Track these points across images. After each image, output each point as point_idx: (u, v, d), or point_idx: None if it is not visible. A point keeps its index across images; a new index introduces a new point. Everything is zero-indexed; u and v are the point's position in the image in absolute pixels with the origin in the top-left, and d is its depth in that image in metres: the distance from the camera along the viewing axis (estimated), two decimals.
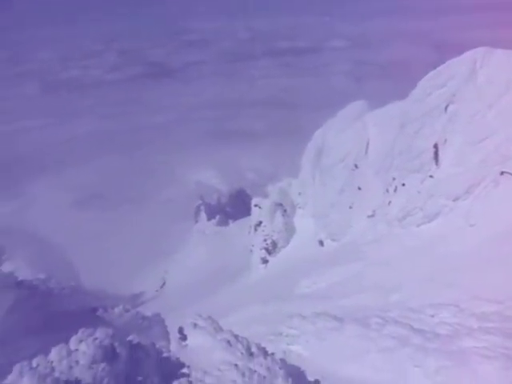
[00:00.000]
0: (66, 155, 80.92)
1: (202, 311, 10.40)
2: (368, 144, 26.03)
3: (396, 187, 22.73)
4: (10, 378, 6.38)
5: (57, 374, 6.44)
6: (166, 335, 16.50)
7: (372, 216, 24.10)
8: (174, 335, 11.08)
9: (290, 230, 34.21)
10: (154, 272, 51.19)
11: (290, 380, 7.47)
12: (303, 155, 33.16)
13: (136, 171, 76.38)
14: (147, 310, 17.93)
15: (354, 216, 25.92)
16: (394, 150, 23.14)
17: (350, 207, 26.56)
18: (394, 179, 22.98)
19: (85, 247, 55.17)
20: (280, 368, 7.76)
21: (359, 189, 26.22)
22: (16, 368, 6.65)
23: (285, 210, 34.96)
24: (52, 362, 7.04)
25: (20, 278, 13.39)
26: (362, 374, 8.56)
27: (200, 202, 65.11)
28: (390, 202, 22.65)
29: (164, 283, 50.01)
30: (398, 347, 8.73)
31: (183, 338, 10.46)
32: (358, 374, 8.59)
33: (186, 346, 10.12)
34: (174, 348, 10.32)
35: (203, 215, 63.02)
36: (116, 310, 16.03)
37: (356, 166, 26.75)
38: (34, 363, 6.95)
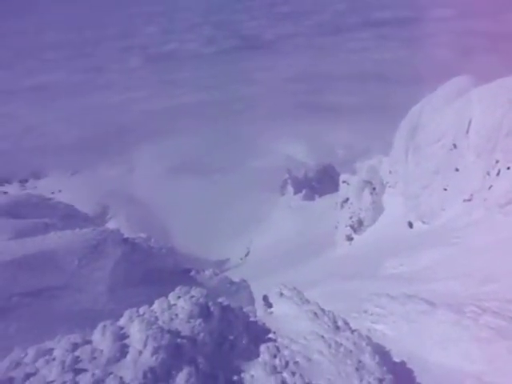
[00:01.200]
0: (165, 125, 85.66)
1: (286, 282, 10.70)
2: (470, 123, 24.10)
3: (499, 171, 20.94)
4: (122, 320, 7.22)
5: (160, 323, 7.13)
6: (251, 301, 17.36)
7: (469, 200, 22.53)
8: (259, 302, 11.52)
9: (377, 209, 33.35)
10: (239, 241, 53.13)
11: (376, 357, 7.50)
12: (396, 132, 31.72)
13: (228, 141, 78.77)
14: (233, 277, 18.92)
15: (448, 199, 24.47)
16: (501, 131, 21.21)
17: (445, 189, 25.07)
18: (497, 162, 21.15)
19: (178, 212, 58.74)
20: (367, 344, 7.81)
21: (456, 170, 24.56)
22: (126, 313, 7.51)
23: (373, 188, 34.07)
24: (155, 312, 7.83)
25: (125, 236, 14.76)
26: (453, 362, 8.30)
27: (287, 175, 65.57)
28: (490, 187, 20.96)
29: (248, 252, 51.88)
30: (497, 339, 8.30)
31: (268, 305, 10.84)
32: (448, 361, 8.34)
33: (272, 313, 10.48)
34: (259, 314, 10.75)
35: (290, 188, 63.61)
36: (207, 272, 17.19)
37: (455, 146, 24.99)
38: (141, 311, 7.79)
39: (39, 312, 9.83)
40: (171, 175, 69.90)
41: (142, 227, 40.80)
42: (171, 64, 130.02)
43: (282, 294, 10.60)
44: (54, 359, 5.56)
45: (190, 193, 64.51)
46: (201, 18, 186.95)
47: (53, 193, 47.45)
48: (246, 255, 51.43)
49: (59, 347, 5.84)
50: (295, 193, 61.32)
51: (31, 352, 5.73)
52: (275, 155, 74.81)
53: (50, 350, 5.88)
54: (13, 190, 60.26)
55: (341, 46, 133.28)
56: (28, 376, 5.14)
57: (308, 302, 10.09)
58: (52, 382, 5.01)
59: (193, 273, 16.27)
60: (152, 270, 14.27)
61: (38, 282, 10.40)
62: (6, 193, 59.60)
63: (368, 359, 7.71)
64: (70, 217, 17.61)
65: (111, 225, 39.54)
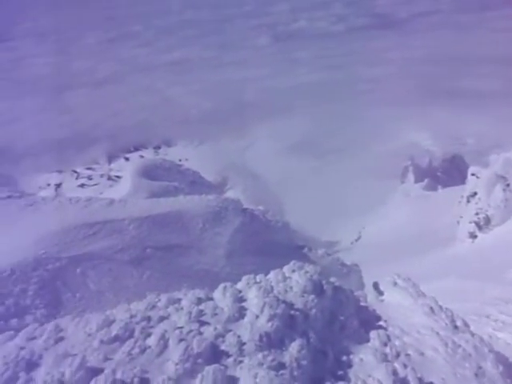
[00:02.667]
0: (286, 103, 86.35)
1: (399, 272, 10.27)
2: None
3: None
4: (240, 284, 7.66)
5: (275, 293, 7.40)
6: (361, 286, 17.08)
7: None
8: (369, 288, 11.29)
9: (509, 208, 29.93)
10: (350, 224, 51.96)
11: (500, 367, 6.88)
12: None
13: (348, 123, 76.72)
14: (344, 260, 18.72)
15: None
16: None
17: None
18: None
19: (292, 190, 59.41)
20: (489, 351, 7.20)
21: None
22: (244, 279, 7.94)
23: (507, 185, 30.57)
24: (271, 282, 8.14)
25: (244, 206, 15.48)
26: None
27: (409, 162, 61.88)
28: None
29: (360, 237, 50.58)
30: None
31: (379, 292, 10.56)
32: None
33: (383, 301, 10.20)
34: (370, 300, 10.54)
35: (411, 176, 60.09)
36: (319, 251, 17.31)
37: None
38: (258, 279, 8.16)
39: (167, 265, 10.90)
40: (288, 153, 70.67)
41: (257, 200, 42.21)
42: (298, 42, 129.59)
43: (395, 284, 10.25)
44: (182, 308, 6.16)
45: (305, 172, 64.65)
46: None
47: (180, 160, 51.37)
48: (357, 240, 50.22)
49: (187, 299, 6.44)
50: (416, 181, 57.73)
51: (163, 299, 6.41)
52: (398, 141, 70.91)
53: (179, 300, 6.52)
54: (147, 154, 66.76)
55: (483, 24, 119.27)
56: (162, 319, 5.78)
57: (424, 295, 9.63)
58: (181, 327, 5.56)
59: (306, 250, 16.51)
60: (267, 241, 14.79)
61: (168, 239, 11.50)
62: (142, 157, 66.33)
63: (490, 367, 7.13)
64: (196, 183, 18.99)
65: (229, 195, 41.71)
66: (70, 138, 71.68)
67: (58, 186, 60.26)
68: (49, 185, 60.10)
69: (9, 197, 12.75)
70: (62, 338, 5.26)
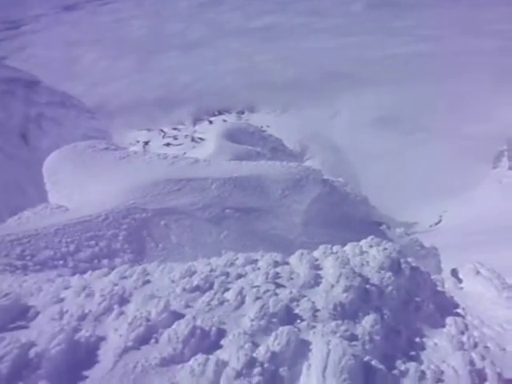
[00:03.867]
0: (377, 74, 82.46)
1: (482, 261, 9.62)
2: None
3: None
4: (316, 253, 7.66)
5: (352, 265, 7.30)
6: (439, 271, 16.34)
7: None
8: (447, 274, 10.79)
9: None
10: (431, 206, 49.62)
11: None
12: None
13: (441, 99, 71.71)
14: (423, 242, 17.93)
15: None
16: None
17: None
18: None
19: (372, 165, 57.56)
20: None
21: None
22: (321, 248, 7.91)
23: None
24: (348, 254, 8.04)
25: (325, 176, 15.28)
26: None
27: (505, 146, 56.90)
28: None
29: (440, 221, 48.20)
30: None
31: (458, 280, 10.07)
32: None
33: (462, 289, 9.71)
34: (448, 286, 10.07)
35: (505, 162, 55.42)
36: (397, 230, 16.72)
37: None
38: (334, 249, 8.10)
39: (244, 227, 11.20)
40: (373, 127, 68.08)
41: (335, 172, 41.55)
42: (394, 11, 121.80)
43: (478, 273, 9.67)
44: (259, 269, 6.32)
45: (388, 148, 62.13)
46: None
47: (262, 127, 51.68)
48: (437, 223, 47.92)
49: (264, 260, 6.58)
50: (510, 168, 53.12)
51: (241, 258, 6.62)
52: (495, 122, 65.00)
53: (256, 261, 6.69)
54: (231, 119, 67.93)
55: None
56: (239, 276, 5.99)
57: (511, 288, 8.98)
58: (257, 286, 5.72)
59: (383, 227, 16.04)
60: (345, 214, 14.58)
61: (247, 201, 11.76)
62: (225, 121, 67.68)
63: None
64: (278, 150, 19.05)
65: (308, 164, 41.42)
66: (159, 99, 75.07)
67: (146, 143, 63.84)
68: (138, 141, 63.87)
69: (106, 149, 13.73)
70: (148, 281, 5.67)
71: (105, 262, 9.35)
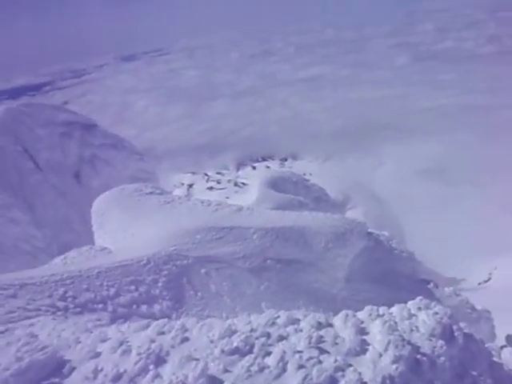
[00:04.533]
0: (422, 125, 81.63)
1: None
2: None
3: None
4: (361, 315, 7.18)
5: (400, 331, 6.78)
6: (493, 337, 15.08)
7: None
8: (500, 340, 9.88)
9: None
10: (479, 263, 46.89)
11: None
12: None
13: (487, 152, 69.53)
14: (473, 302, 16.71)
15: None
16: None
17: None
18: None
19: (417, 217, 55.68)
20: None
21: None
22: (367, 309, 7.43)
23: None
24: (395, 317, 7.49)
25: (370, 230, 14.78)
26: None
27: None
28: None
29: (489, 279, 45.36)
30: None
31: None
32: None
33: None
34: (504, 356, 9.20)
35: None
36: (446, 290, 15.71)
37: None
38: (381, 311, 7.58)
39: (286, 279, 10.85)
40: (417, 178, 66.50)
41: (378, 224, 40.42)
42: (440, 63, 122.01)
43: None
44: (301, 330, 5.96)
45: (434, 200, 60.15)
46: (486, 14, 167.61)
47: (304, 174, 51.70)
48: (486, 281, 45.02)
49: (306, 321, 6.22)
50: None
51: (283, 316, 6.28)
52: None
53: (298, 321, 6.33)
54: (274, 166, 68.68)
55: None
56: (281, 338, 5.66)
57: None
58: (300, 352, 5.37)
59: (431, 285, 15.13)
60: (390, 270, 13.91)
61: (289, 253, 11.47)
62: (268, 167, 68.43)
63: None
64: (321, 199, 18.78)
65: (350, 215, 40.61)
66: (205, 144, 77.60)
67: (190, 186, 65.21)
68: (182, 184, 65.38)
69: (151, 193, 14.02)
70: (187, 339, 5.45)
71: (143, 308, 9.25)
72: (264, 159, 73.74)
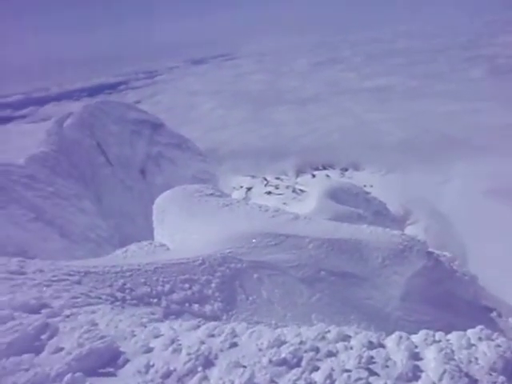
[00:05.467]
0: (494, 142, 77.06)
1: None
2: None
3: None
4: (416, 338, 6.86)
5: (457, 361, 6.40)
6: None
7: None
8: None
9: None
10: None
11: None
12: None
13: None
14: None
15: None
16: None
17: None
18: None
19: (484, 239, 52.49)
20: None
21: None
22: (422, 333, 7.08)
23: None
24: (452, 344, 7.08)
25: (430, 249, 14.15)
26: None
27: None
28: None
29: None
30: None
31: None
32: None
33: None
34: None
35: None
36: (511, 320, 14.65)
37: None
38: (437, 337, 7.20)
39: (339, 292, 10.65)
40: (485, 198, 62.66)
41: (439, 242, 38.54)
42: None
43: None
44: (351, 348, 5.82)
45: (501, 222, 56.37)
46: None
47: (365, 186, 50.56)
48: None
49: (357, 339, 6.06)
50: None
51: (333, 331, 6.16)
52: None
53: (349, 338, 6.19)
54: (334, 175, 67.84)
55: None
56: (330, 354, 5.56)
57: None
58: (349, 371, 5.24)
59: (494, 314, 14.17)
60: (449, 293, 13.21)
61: (344, 266, 11.26)
62: (328, 176, 67.73)
63: None
64: (380, 214, 18.25)
65: (409, 231, 39.06)
66: (267, 148, 78.20)
67: (249, 189, 66.00)
68: (241, 187, 66.35)
69: (211, 194, 14.34)
70: (235, 344, 5.50)
71: (195, 306, 9.46)
72: (324, 168, 73.02)
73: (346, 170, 70.94)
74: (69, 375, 3.10)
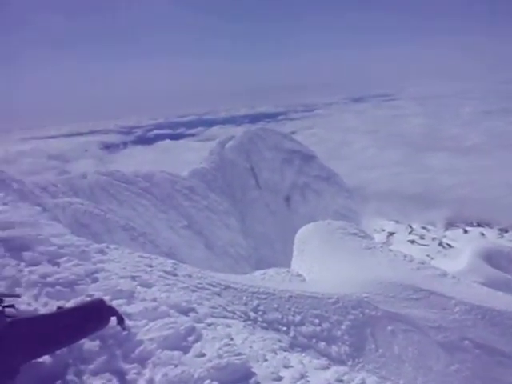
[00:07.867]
0: None
1: None
2: None
3: None
4: None
5: None
6: None
7: None
8: None
9: None
10: None
11: None
12: None
13: None
14: None
15: None
16: None
17: None
18: None
19: None
20: None
21: None
22: None
23: None
24: None
25: None
26: None
27: None
28: None
29: None
30: None
31: None
32: None
33: None
34: None
35: None
36: None
37: None
38: None
39: (483, 369, 9.38)
40: None
41: None
42: None
43: None
44: None
45: None
46: None
47: None
48: None
49: None
50: None
51: None
52: None
53: None
54: (490, 235, 60.46)
55: None
56: None
57: None
58: None
59: None
60: None
61: (494, 340, 9.89)
62: (483, 234, 60.77)
63: None
64: None
65: None
66: (416, 195, 73.78)
67: (391, 234, 62.90)
68: (383, 230, 63.64)
69: (355, 234, 14.09)
70: None
71: (321, 344, 9.28)
72: (479, 225, 65.67)
73: (506, 231, 62.42)
74: (207, 381, 3.32)
